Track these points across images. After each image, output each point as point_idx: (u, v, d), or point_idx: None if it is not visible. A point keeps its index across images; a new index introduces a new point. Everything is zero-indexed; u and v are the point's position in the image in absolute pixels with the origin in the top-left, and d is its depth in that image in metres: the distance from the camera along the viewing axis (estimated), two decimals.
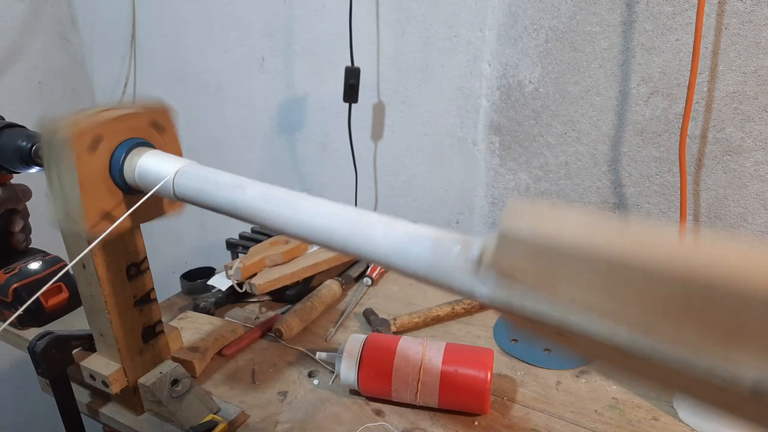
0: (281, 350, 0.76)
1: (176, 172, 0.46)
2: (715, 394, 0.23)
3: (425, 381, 0.60)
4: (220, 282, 0.89)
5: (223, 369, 0.72)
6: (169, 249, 1.56)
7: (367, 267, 0.95)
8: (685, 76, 0.76)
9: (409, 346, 0.63)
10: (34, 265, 0.67)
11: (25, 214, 0.69)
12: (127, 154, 0.49)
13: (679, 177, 0.79)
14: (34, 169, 0.56)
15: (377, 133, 1.10)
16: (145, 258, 0.59)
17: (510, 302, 0.29)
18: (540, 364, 0.70)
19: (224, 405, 0.62)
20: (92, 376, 0.59)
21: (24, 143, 0.54)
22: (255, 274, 0.86)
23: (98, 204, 0.48)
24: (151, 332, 0.61)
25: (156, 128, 0.52)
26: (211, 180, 0.44)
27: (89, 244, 0.49)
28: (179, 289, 0.94)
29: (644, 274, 0.24)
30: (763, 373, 0.21)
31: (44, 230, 0.79)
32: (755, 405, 0.22)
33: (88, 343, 0.62)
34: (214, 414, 0.60)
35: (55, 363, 0.57)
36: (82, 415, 0.63)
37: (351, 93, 1.02)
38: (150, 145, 0.51)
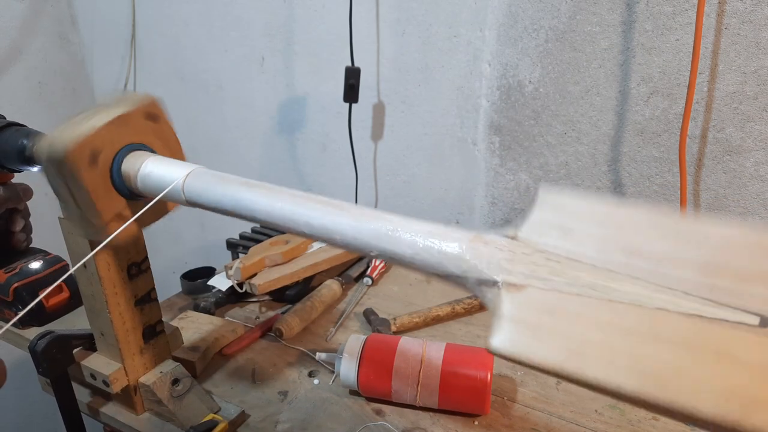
0: (281, 350, 0.76)
1: (186, 176, 0.46)
2: None
3: (425, 381, 0.60)
4: (221, 282, 0.89)
5: (224, 369, 0.72)
6: (169, 249, 1.56)
7: (367, 267, 0.95)
8: (685, 76, 0.76)
9: (409, 347, 0.63)
10: (35, 265, 0.67)
11: (26, 214, 0.69)
12: (123, 159, 0.49)
13: (679, 177, 0.79)
14: (35, 169, 0.56)
15: (377, 133, 1.10)
16: (146, 258, 0.59)
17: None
18: None
19: (224, 404, 0.62)
20: (93, 376, 0.59)
21: (25, 142, 0.54)
22: (255, 274, 0.86)
23: (111, 209, 0.49)
24: (152, 332, 0.61)
25: (151, 119, 0.51)
26: (224, 184, 0.44)
27: (95, 245, 0.49)
28: (179, 289, 0.94)
29: None
30: None
31: (45, 230, 0.79)
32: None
33: (88, 343, 0.62)
34: (215, 413, 0.60)
35: (56, 362, 0.57)
36: (82, 414, 0.63)
37: (351, 93, 1.02)
38: (148, 149, 0.51)
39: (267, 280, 0.83)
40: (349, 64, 1.02)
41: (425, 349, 0.63)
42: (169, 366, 0.62)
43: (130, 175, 0.48)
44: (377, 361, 0.62)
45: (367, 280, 0.92)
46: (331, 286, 0.87)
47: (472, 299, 0.82)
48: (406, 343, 0.64)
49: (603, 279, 0.30)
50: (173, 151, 0.53)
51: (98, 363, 0.59)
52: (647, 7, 0.77)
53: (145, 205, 0.48)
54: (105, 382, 0.58)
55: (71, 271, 0.47)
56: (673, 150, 0.80)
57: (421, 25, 0.97)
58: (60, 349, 0.58)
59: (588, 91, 0.85)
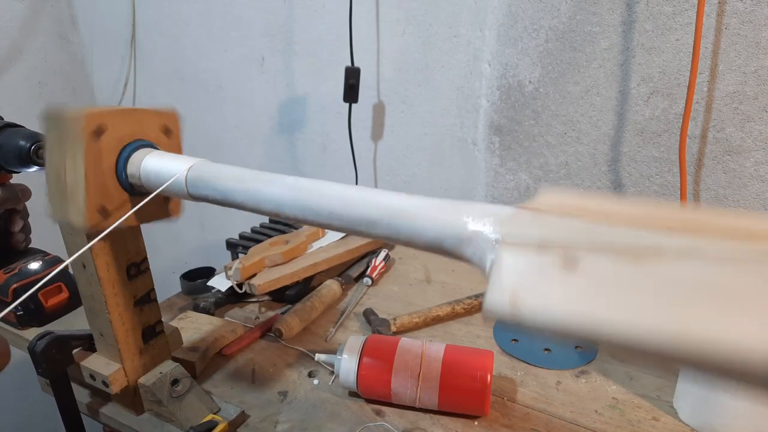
0: (281, 350, 0.76)
1: (189, 168, 0.46)
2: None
3: (425, 382, 0.60)
4: (220, 282, 0.89)
5: (223, 369, 0.72)
6: (169, 249, 1.56)
7: (367, 267, 0.95)
8: (685, 76, 0.76)
9: (409, 347, 0.63)
10: (34, 265, 0.67)
11: (25, 214, 0.69)
12: (131, 154, 0.49)
13: (679, 177, 0.79)
14: (34, 169, 0.56)
15: (377, 133, 1.10)
16: (146, 258, 0.59)
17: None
18: (540, 364, 0.70)
19: (224, 405, 0.62)
20: (92, 376, 0.59)
21: (24, 143, 0.54)
22: (255, 275, 0.86)
23: (99, 199, 0.48)
24: (152, 332, 0.61)
25: (165, 132, 0.53)
26: (227, 174, 0.44)
27: (86, 237, 0.49)
28: (179, 289, 0.94)
29: None
30: None
31: (44, 230, 0.79)
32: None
33: (88, 343, 0.62)
34: (215, 414, 0.60)
35: (55, 363, 0.57)
36: (82, 415, 0.63)
37: (351, 93, 1.02)
38: (155, 147, 0.51)
39: (267, 280, 0.83)
40: (349, 64, 1.02)
41: (425, 350, 0.63)
42: (168, 366, 0.62)
43: (135, 169, 0.49)
44: (377, 362, 0.62)
45: (366, 280, 0.92)
46: (330, 286, 0.87)
47: (472, 299, 0.82)
48: (405, 343, 0.64)
49: (627, 238, 0.27)
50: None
51: (98, 363, 0.59)
52: (647, 7, 0.76)
53: (149, 203, 0.48)
54: (104, 383, 0.58)
55: (67, 262, 0.47)
56: (673, 150, 0.80)
57: (421, 25, 0.97)
58: (59, 350, 0.58)
59: (588, 91, 0.85)
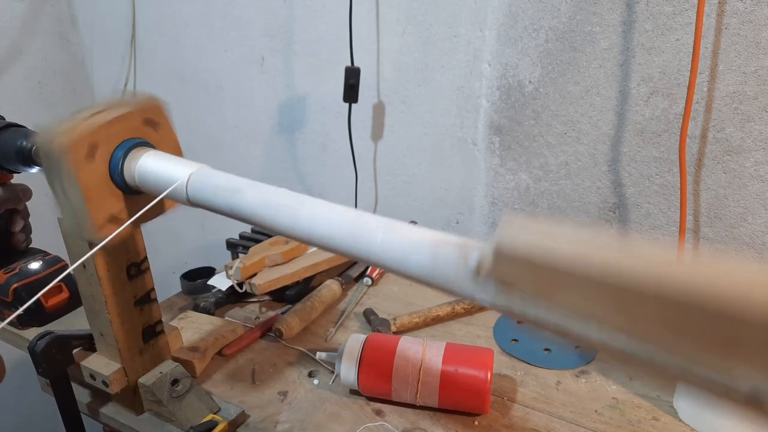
0: (281, 350, 0.76)
1: (190, 176, 0.45)
2: (714, 396, 0.23)
3: (425, 381, 0.60)
4: (220, 282, 0.89)
5: (223, 369, 0.72)
6: (169, 249, 1.56)
7: (367, 267, 0.95)
8: (685, 76, 0.76)
9: (409, 346, 0.63)
10: (35, 265, 0.67)
11: (26, 214, 0.69)
12: (126, 155, 0.48)
13: (679, 177, 0.79)
14: (35, 169, 0.56)
15: (377, 133, 1.10)
16: (146, 258, 0.59)
17: (510, 308, 0.29)
18: (540, 364, 0.70)
19: (224, 405, 0.62)
20: (92, 376, 0.59)
21: (24, 143, 0.54)
22: (255, 274, 0.86)
23: (104, 209, 0.48)
24: (152, 332, 0.61)
25: (150, 125, 0.51)
26: (229, 186, 0.44)
27: (93, 245, 0.49)
28: (179, 289, 0.94)
29: (641, 290, 0.24)
30: (758, 383, 0.21)
31: (44, 230, 0.79)
32: (752, 410, 0.22)
33: (88, 343, 0.62)
34: (215, 414, 0.60)
35: (56, 363, 0.57)
36: (82, 414, 0.63)
37: (351, 93, 1.02)
38: (149, 145, 0.51)
39: (267, 280, 0.83)
40: (349, 64, 1.02)
41: (425, 349, 0.63)
42: (168, 366, 0.62)
43: (129, 170, 0.48)
44: (377, 361, 0.62)
45: (367, 280, 0.92)
46: (331, 286, 0.87)
47: None
48: (406, 342, 0.64)
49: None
50: (174, 151, 0.53)
51: (98, 363, 0.59)
52: (647, 7, 0.77)
53: (144, 203, 0.48)
54: (105, 383, 0.58)
55: (70, 269, 0.47)
56: (673, 150, 0.80)
57: (421, 25, 0.97)
58: (60, 350, 0.58)
59: (588, 91, 0.85)
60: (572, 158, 0.90)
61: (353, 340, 0.65)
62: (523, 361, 0.71)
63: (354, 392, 0.66)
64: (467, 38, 0.93)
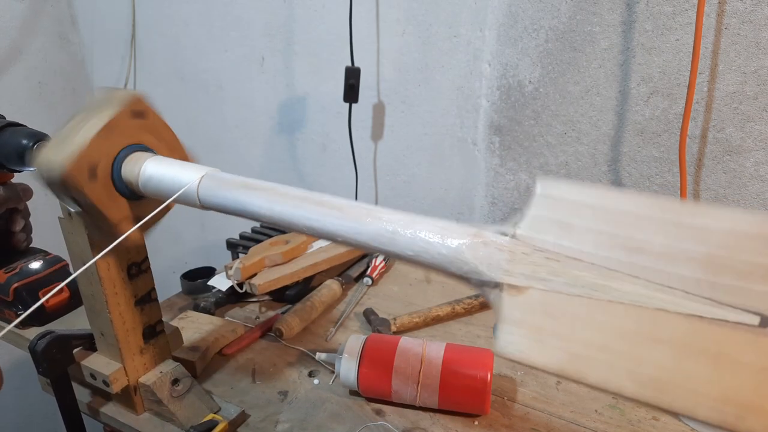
0: (281, 350, 0.76)
1: (201, 178, 0.45)
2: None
3: (425, 381, 0.60)
4: (221, 282, 0.89)
5: (224, 369, 0.72)
6: (169, 249, 1.56)
7: (367, 267, 0.95)
8: (685, 76, 0.76)
9: (409, 347, 0.63)
10: (35, 265, 0.67)
11: (26, 214, 0.69)
12: (122, 164, 0.48)
13: (679, 177, 0.79)
14: (35, 169, 0.56)
15: (377, 133, 1.10)
16: (146, 258, 0.59)
17: None
18: None
19: (224, 404, 0.62)
20: (93, 376, 0.59)
21: (25, 142, 0.54)
22: (255, 274, 0.86)
23: (119, 213, 0.49)
24: (152, 332, 0.61)
25: (138, 116, 0.50)
26: (244, 189, 0.44)
27: (87, 238, 0.49)
28: (179, 289, 0.94)
29: None
30: None
31: (45, 230, 0.79)
32: None
33: (88, 343, 0.62)
34: (215, 413, 0.60)
35: (56, 362, 0.57)
36: (82, 414, 0.63)
37: (351, 93, 1.02)
38: (145, 148, 0.51)
39: (267, 280, 0.83)
40: (349, 64, 1.02)
41: (425, 349, 0.63)
42: (169, 366, 0.62)
43: (131, 178, 0.48)
44: (377, 361, 0.62)
45: (367, 280, 0.92)
46: (331, 286, 0.87)
47: (473, 299, 0.82)
48: (406, 343, 0.64)
49: (603, 279, 0.30)
50: (168, 142, 0.53)
51: (98, 363, 0.59)
52: (647, 7, 0.77)
53: (148, 207, 0.48)
54: (105, 382, 0.58)
55: (76, 274, 0.47)
56: (673, 150, 0.80)
57: (421, 25, 0.97)
58: (60, 349, 0.58)
59: (588, 91, 0.85)
60: (572, 158, 0.90)
61: (353, 340, 0.65)
62: None
63: (354, 392, 0.66)
64: (467, 38, 0.93)
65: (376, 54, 1.03)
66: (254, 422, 0.62)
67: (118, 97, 0.49)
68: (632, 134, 0.83)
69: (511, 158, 0.96)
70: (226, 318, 0.84)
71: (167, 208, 0.51)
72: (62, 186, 0.46)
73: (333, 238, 0.40)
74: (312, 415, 0.63)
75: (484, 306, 0.83)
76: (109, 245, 0.49)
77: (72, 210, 0.50)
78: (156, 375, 0.60)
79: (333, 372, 0.69)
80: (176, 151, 0.53)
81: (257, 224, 1.09)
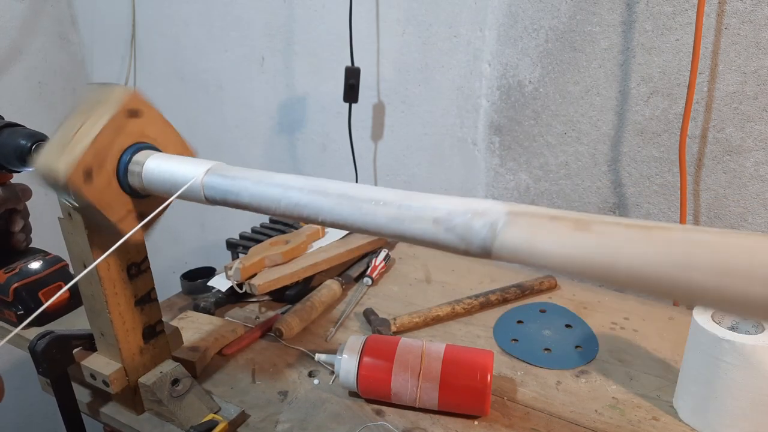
0: (281, 350, 0.76)
1: (205, 173, 0.45)
2: None
3: (425, 382, 0.60)
4: (220, 282, 0.89)
5: (224, 369, 0.72)
6: (169, 249, 1.56)
7: (367, 267, 0.95)
8: (685, 76, 0.76)
9: (409, 347, 0.63)
10: (35, 265, 0.67)
11: (26, 214, 0.69)
12: (129, 162, 0.49)
13: (679, 177, 0.79)
14: (36, 172, 0.56)
15: (377, 133, 1.10)
16: (146, 258, 0.59)
17: None
18: (540, 364, 0.70)
19: (224, 404, 0.62)
20: (93, 376, 0.59)
21: (24, 142, 0.54)
22: (255, 274, 0.86)
23: (121, 210, 0.50)
24: (152, 332, 0.61)
25: (134, 115, 0.50)
26: (248, 180, 0.44)
27: (87, 236, 0.49)
28: (179, 289, 0.94)
29: None
30: None
31: (44, 230, 0.79)
32: None
33: (88, 343, 0.62)
34: (215, 413, 0.60)
35: (56, 362, 0.57)
36: (82, 414, 0.63)
37: (351, 93, 1.02)
38: (148, 146, 0.51)
39: (267, 280, 0.83)
40: (349, 64, 1.02)
41: (425, 350, 0.63)
42: (169, 366, 0.62)
43: (134, 177, 0.49)
44: (377, 362, 0.62)
45: (367, 280, 0.92)
46: (331, 286, 0.87)
47: (473, 299, 0.82)
48: (405, 343, 0.64)
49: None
50: (168, 136, 0.53)
51: (98, 363, 0.59)
52: (647, 7, 0.77)
53: (152, 204, 0.48)
54: (105, 382, 0.58)
55: (79, 277, 0.47)
56: (673, 150, 0.80)
57: (421, 25, 0.97)
58: (60, 349, 0.58)
59: (588, 91, 0.85)
60: (572, 158, 0.90)
61: (353, 340, 0.65)
62: (523, 361, 0.71)
63: (354, 392, 0.66)
64: (467, 38, 0.93)
65: (376, 54, 1.03)
66: (254, 422, 0.62)
67: (113, 98, 0.48)
68: (632, 134, 0.83)
69: (511, 158, 0.96)
70: (226, 318, 0.84)
71: (168, 204, 0.51)
72: (61, 189, 0.47)
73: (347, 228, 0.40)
74: (312, 415, 0.63)
75: (485, 306, 0.83)
76: (110, 244, 0.49)
77: (76, 205, 0.50)
78: (156, 375, 0.60)
79: (333, 372, 0.69)
80: (176, 145, 0.53)
81: (257, 224, 1.09)
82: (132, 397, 0.61)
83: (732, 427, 0.55)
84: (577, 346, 0.73)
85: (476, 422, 0.61)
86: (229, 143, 1.33)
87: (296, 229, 1.02)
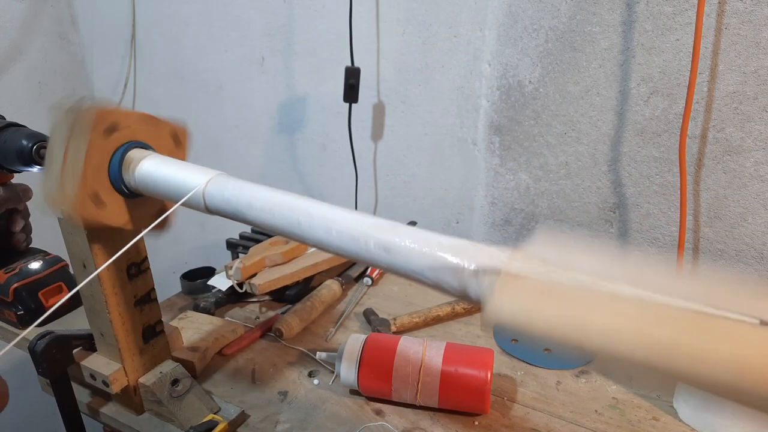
0: (281, 350, 0.76)
1: (207, 182, 0.45)
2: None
3: (425, 381, 0.60)
4: (220, 282, 0.89)
5: (224, 369, 0.72)
6: (169, 249, 1.56)
7: (367, 267, 0.95)
8: (685, 76, 0.76)
9: (409, 346, 0.63)
10: (35, 265, 0.67)
11: (26, 214, 0.69)
12: (123, 157, 0.49)
13: (679, 177, 0.79)
14: (35, 169, 0.56)
15: (377, 133, 1.10)
16: (146, 258, 0.59)
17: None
18: (540, 364, 0.70)
19: (224, 405, 0.62)
20: (93, 376, 0.59)
21: (25, 142, 0.54)
22: (255, 274, 0.86)
23: (89, 189, 0.48)
24: (152, 332, 0.61)
25: (112, 131, 0.49)
26: (254, 197, 0.43)
27: (85, 235, 0.49)
28: (179, 289, 0.94)
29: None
30: None
31: (44, 230, 0.79)
32: None
33: (88, 343, 0.62)
34: (215, 414, 0.60)
35: (56, 363, 0.57)
36: (82, 414, 0.63)
37: (351, 93, 1.02)
38: (146, 146, 0.51)
39: (267, 280, 0.83)
40: (349, 64, 1.02)
41: (425, 349, 0.63)
42: (168, 366, 0.62)
43: (129, 179, 0.49)
44: (377, 361, 0.62)
45: (367, 280, 0.92)
46: (331, 286, 0.87)
47: None
48: (406, 342, 0.64)
49: (603, 281, 0.30)
50: (160, 132, 0.53)
51: (98, 363, 0.59)
52: (647, 7, 0.77)
53: (145, 205, 0.48)
54: (105, 383, 0.58)
55: (83, 284, 0.47)
56: (673, 150, 0.80)
57: (421, 25, 0.97)
58: (60, 350, 0.58)
59: (588, 91, 0.85)
60: (572, 158, 0.90)
61: (353, 340, 0.65)
62: (523, 361, 0.71)
63: (354, 392, 0.66)
64: (467, 38, 0.93)
65: (376, 54, 1.03)
66: (254, 422, 0.62)
67: (83, 122, 0.47)
68: (632, 134, 0.83)
69: (511, 158, 0.96)
70: (226, 318, 0.84)
71: (163, 207, 0.51)
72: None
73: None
74: (312, 415, 0.63)
75: (478, 302, 0.83)
76: (111, 245, 0.49)
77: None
78: (156, 375, 0.60)
79: (333, 372, 0.69)
80: (167, 144, 0.54)
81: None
82: (132, 397, 0.61)
83: (732, 427, 0.55)
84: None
85: (476, 422, 0.61)
86: (229, 143, 1.33)
87: None
